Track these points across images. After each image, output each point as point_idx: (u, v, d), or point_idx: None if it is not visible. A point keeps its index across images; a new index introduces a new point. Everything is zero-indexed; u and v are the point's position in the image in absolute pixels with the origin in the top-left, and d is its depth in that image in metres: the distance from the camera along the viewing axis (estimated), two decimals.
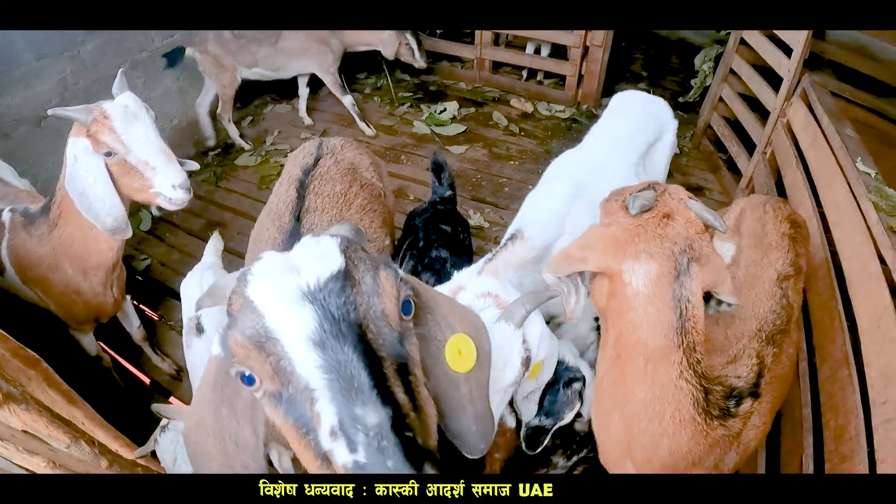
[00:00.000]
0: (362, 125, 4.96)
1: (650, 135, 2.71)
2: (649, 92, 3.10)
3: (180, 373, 3.08)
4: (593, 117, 5.07)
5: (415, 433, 0.89)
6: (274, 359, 0.92)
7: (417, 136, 5.01)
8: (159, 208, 2.56)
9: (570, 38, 5.07)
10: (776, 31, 3.93)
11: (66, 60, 3.59)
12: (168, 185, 2.13)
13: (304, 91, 5.05)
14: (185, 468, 1.91)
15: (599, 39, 4.96)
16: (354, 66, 5.76)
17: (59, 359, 2.11)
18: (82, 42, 3.67)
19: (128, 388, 2.93)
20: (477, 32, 5.46)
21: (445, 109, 5.24)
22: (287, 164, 2.44)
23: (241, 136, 4.85)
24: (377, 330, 0.97)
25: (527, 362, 1.58)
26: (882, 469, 1.60)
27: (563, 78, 5.40)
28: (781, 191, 3.09)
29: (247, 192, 4.32)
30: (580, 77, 5.31)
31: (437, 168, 2.96)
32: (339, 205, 2.20)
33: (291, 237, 2.04)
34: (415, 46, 4.72)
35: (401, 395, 0.92)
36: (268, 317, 0.93)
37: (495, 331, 1.51)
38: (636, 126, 2.72)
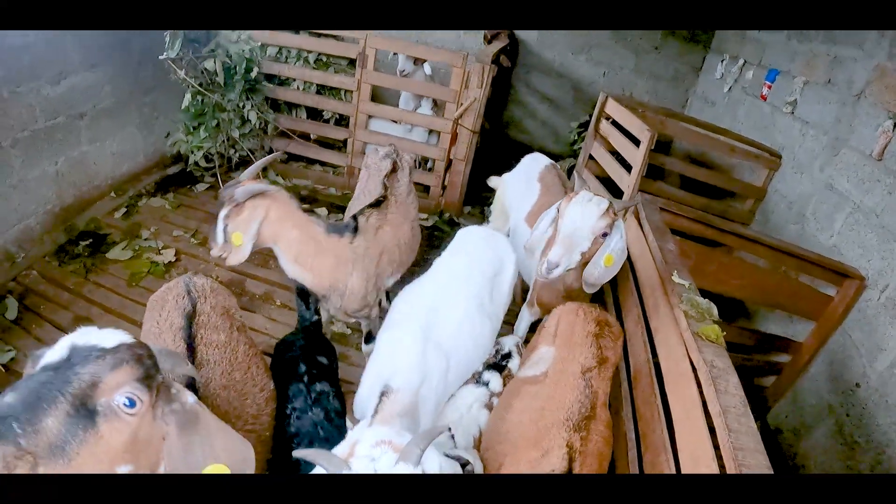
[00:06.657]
0: None
1: (490, 268, 2.96)
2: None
3: None
4: (455, 225, 5.51)
5: None
6: None
7: None
8: None
9: (434, 152, 5.49)
10: (617, 149, 4.50)
11: None
12: None
13: None
14: None
15: (462, 153, 5.42)
16: (232, 167, 5.79)
17: None
18: None
19: None
20: (348, 141, 5.70)
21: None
22: (153, 309, 2.26)
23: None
24: None
25: None
26: None
27: (427, 188, 5.73)
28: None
29: (115, 287, 4.22)
30: (444, 187, 5.69)
31: (303, 293, 2.93)
32: (228, 355, 2.14)
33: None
34: None
35: None
36: None
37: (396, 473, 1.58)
38: (476, 261, 2.96)
